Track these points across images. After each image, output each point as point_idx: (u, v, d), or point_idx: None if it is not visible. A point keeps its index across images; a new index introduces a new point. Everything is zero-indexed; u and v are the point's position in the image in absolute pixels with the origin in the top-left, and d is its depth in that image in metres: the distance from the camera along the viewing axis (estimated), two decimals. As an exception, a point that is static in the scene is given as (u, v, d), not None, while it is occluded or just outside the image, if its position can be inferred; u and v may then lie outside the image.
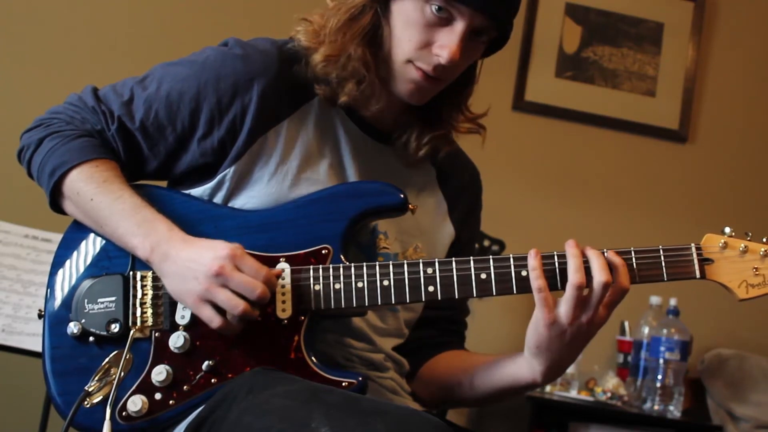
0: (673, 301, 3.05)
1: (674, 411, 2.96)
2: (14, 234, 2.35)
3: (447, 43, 1.38)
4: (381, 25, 1.43)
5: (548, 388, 3.02)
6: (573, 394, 2.99)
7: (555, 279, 1.35)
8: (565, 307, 1.33)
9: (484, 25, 1.41)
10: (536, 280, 1.33)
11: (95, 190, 1.39)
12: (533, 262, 1.34)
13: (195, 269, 1.31)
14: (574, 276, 1.32)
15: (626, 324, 3.16)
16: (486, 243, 2.96)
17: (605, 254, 1.34)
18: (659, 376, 2.98)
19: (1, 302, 2.26)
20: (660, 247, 1.38)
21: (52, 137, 1.44)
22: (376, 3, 1.42)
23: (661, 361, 2.97)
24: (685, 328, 3.01)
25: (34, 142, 1.45)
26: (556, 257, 1.36)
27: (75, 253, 1.45)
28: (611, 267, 1.34)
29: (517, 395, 1.52)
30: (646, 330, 3.09)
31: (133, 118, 1.45)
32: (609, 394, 2.95)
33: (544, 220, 3.34)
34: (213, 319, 1.32)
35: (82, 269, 1.44)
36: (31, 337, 2.23)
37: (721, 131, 3.52)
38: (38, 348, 2.18)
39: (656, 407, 2.96)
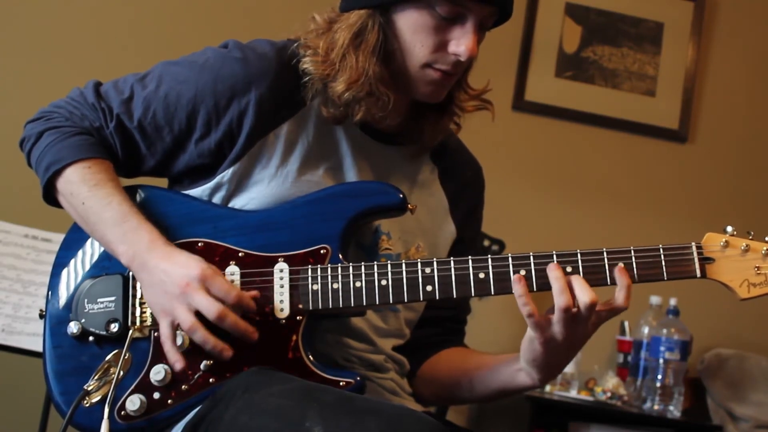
0: (673, 301, 3.05)
1: (674, 411, 2.96)
2: (14, 234, 2.35)
3: (463, 41, 1.39)
4: (388, 38, 1.42)
5: (548, 388, 3.02)
6: (573, 394, 2.99)
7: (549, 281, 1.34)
8: (557, 327, 1.33)
9: (491, 13, 1.43)
10: (524, 307, 1.33)
11: (86, 194, 1.40)
12: (519, 289, 1.33)
13: (165, 282, 1.32)
14: (559, 299, 1.31)
15: (626, 324, 3.16)
16: (486, 243, 2.96)
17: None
18: (659, 376, 2.98)
19: (1, 302, 2.25)
20: (660, 246, 1.36)
21: (50, 132, 1.45)
22: (378, 17, 1.41)
23: (661, 361, 2.97)
24: (685, 328, 3.01)
25: (34, 135, 1.46)
26: (554, 257, 1.35)
27: (76, 254, 1.46)
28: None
29: (515, 395, 1.53)
30: (646, 330, 3.08)
31: (132, 117, 1.45)
32: (609, 394, 2.95)
33: (544, 220, 3.34)
34: (165, 334, 1.33)
35: (82, 270, 1.45)
36: (31, 337, 2.22)
37: (721, 131, 3.52)
38: (38, 348, 2.17)
39: (656, 407, 2.95)
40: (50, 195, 1.46)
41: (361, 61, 1.40)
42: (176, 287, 1.31)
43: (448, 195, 1.61)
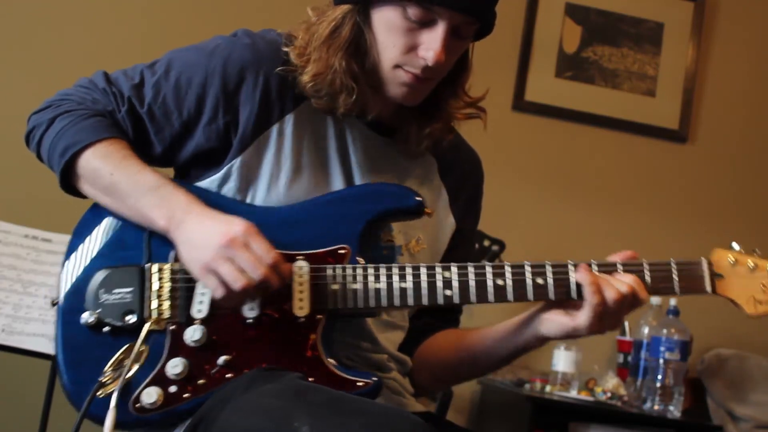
0: (672, 301, 3.04)
1: (674, 411, 2.96)
2: (14, 234, 2.34)
3: (431, 46, 1.39)
4: (364, 35, 1.43)
5: (548, 388, 3.03)
6: (573, 394, 2.99)
7: (568, 289, 1.40)
8: (584, 318, 1.39)
9: (465, 21, 1.41)
10: (594, 295, 1.38)
11: (115, 167, 1.40)
12: (587, 277, 1.38)
13: (206, 238, 1.32)
14: (592, 297, 1.37)
15: (626, 324, 3.16)
16: (486, 243, 2.96)
17: (618, 275, 1.40)
18: (659, 376, 2.98)
19: (1, 302, 2.24)
20: (671, 260, 1.42)
21: (63, 117, 1.44)
22: (356, 13, 1.42)
23: (661, 361, 2.97)
24: (685, 328, 3.01)
25: (45, 121, 1.45)
26: (570, 267, 1.41)
27: (88, 243, 1.44)
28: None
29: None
30: (646, 330, 3.08)
31: (143, 102, 1.46)
32: (609, 394, 2.95)
33: (544, 220, 3.34)
34: (216, 289, 1.32)
35: (97, 259, 1.42)
36: (31, 337, 2.22)
37: (721, 131, 3.53)
38: (38, 348, 2.18)
39: (656, 407, 2.95)
40: (67, 182, 1.45)
41: (329, 55, 1.42)
42: (219, 241, 1.31)
43: (448, 189, 1.62)
